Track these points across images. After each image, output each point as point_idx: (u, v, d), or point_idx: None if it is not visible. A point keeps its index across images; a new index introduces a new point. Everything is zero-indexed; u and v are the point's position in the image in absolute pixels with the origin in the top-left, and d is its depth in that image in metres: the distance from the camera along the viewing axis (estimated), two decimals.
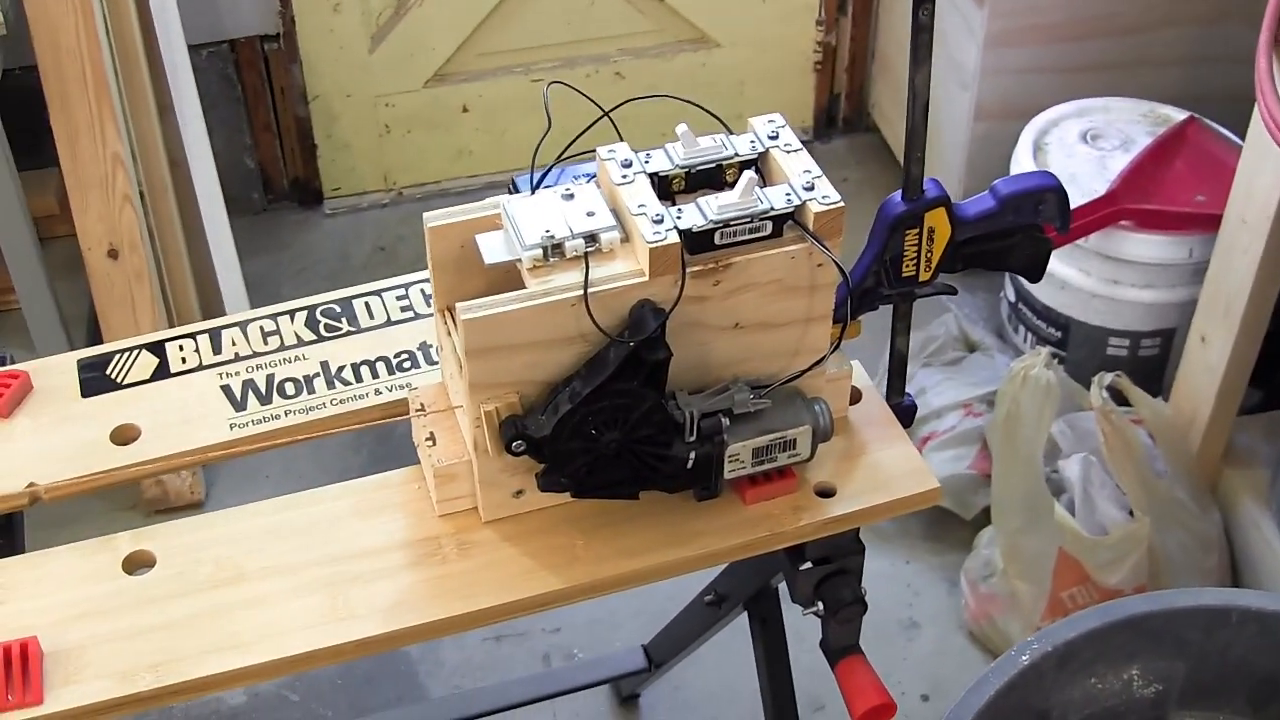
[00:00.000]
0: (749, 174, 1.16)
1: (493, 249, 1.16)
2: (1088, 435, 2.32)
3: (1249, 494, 2.34)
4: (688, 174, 1.21)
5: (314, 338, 1.41)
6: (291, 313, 1.44)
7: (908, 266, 1.31)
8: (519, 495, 1.26)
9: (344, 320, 1.43)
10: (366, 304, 1.45)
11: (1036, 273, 1.37)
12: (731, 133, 1.24)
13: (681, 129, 1.21)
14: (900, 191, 1.29)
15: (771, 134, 1.23)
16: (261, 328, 1.42)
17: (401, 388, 1.36)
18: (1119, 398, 2.27)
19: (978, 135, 2.73)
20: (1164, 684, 1.70)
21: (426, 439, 1.26)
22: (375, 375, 1.37)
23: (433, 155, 2.98)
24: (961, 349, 2.64)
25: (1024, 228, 1.33)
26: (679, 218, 1.16)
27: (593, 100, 1.34)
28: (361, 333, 1.42)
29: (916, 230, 1.29)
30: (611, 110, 1.31)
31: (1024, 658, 1.57)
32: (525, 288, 1.15)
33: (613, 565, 1.24)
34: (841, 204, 1.18)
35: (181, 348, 1.40)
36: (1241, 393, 2.30)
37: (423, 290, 1.46)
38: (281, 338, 1.41)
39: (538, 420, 1.17)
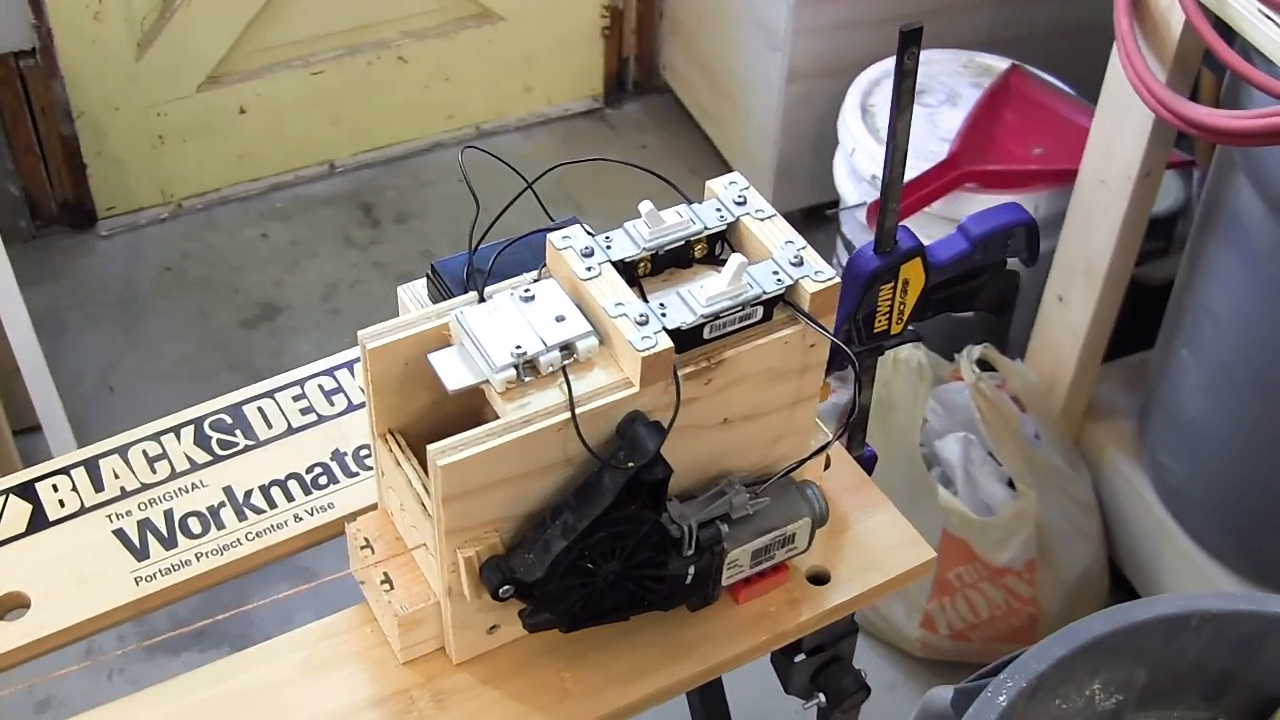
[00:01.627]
0: (738, 258, 1.02)
1: (454, 373, 1.00)
2: (958, 409, 2.25)
3: (1115, 446, 2.31)
4: (654, 255, 1.06)
5: (209, 458, 1.23)
6: (176, 430, 1.25)
7: (880, 322, 1.20)
8: (493, 630, 1.11)
9: (238, 432, 1.25)
10: (260, 409, 1.27)
11: (1004, 309, 1.27)
12: (691, 202, 1.10)
13: (646, 207, 1.06)
14: (871, 244, 1.17)
15: (738, 198, 1.09)
16: (145, 452, 1.23)
17: (324, 508, 1.20)
18: (983, 365, 2.21)
19: (792, 98, 2.63)
20: (1124, 693, 1.63)
21: (381, 581, 1.09)
22: (290, 498, 1.20)
23: (211, 162, 2.75)
24: None
25: (992, 266, 1.22)
26: (663, 314, 1.01)
27: (514, 168, 1.19)
28: (261, 446, 1.24)
29: (891, 284, 1.17)
30: (535, 180, 1.16)
31: (1000, 699, 1.47)
32: (495, 413, 1.00)
33: (608, 697, 1.11)
34: (837, 279, 1.05)
35: (56, 487, 1.20)
36: (1103, 350, 2.26)
37: (321, 386, 1.29)
38: (171, 462, 1.22)
39: (525, 560, 1.02)
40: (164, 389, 2.46)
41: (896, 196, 1.15)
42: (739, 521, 1.10)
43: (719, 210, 1.09)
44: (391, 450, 1.07)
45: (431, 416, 1.09)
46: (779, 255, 1.05)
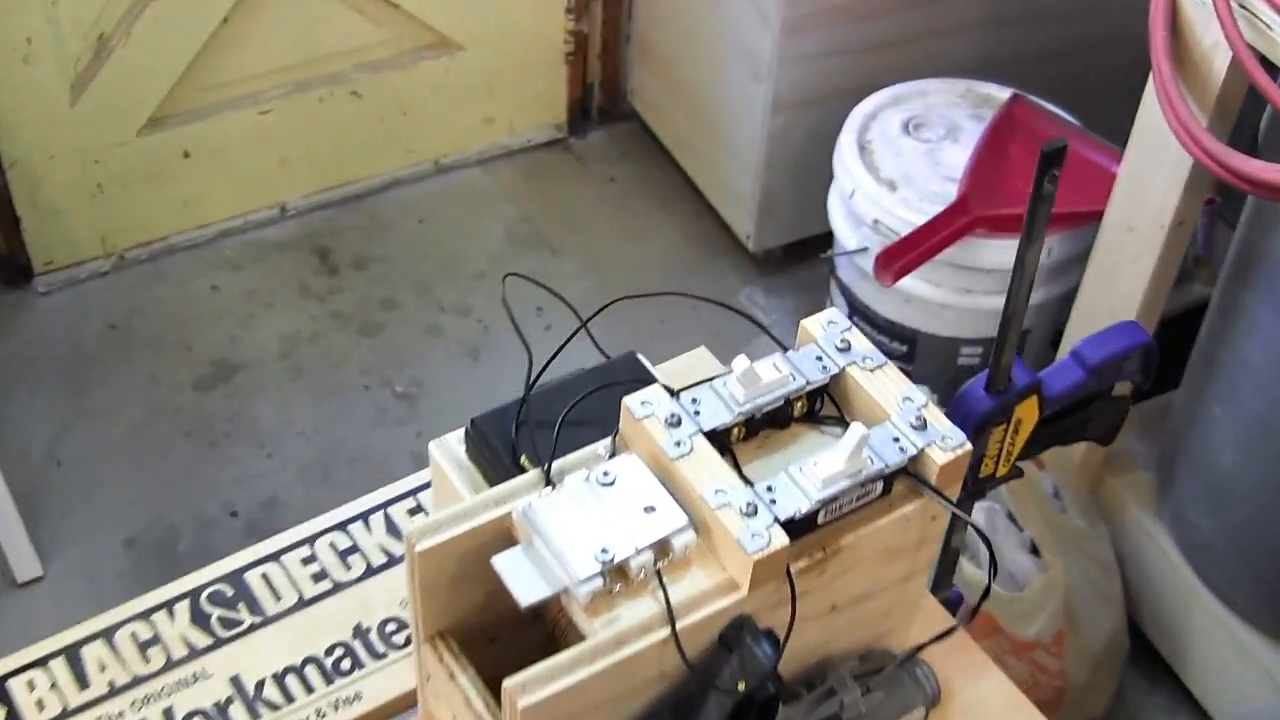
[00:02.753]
0: (858, 431, 0.86)
1: (527, 584, 0.83)
2: None
3: (1135, 501, 2.18)
4: (749, 420, 0.90)
5: (209, 641, 1.06)
6: (168, 606, 1.07)
7: (987, 465, 1.04)
8: None
9: (241, 606, 1.08)
10: (264, 577, 1.09)
11: (1112, 436, 1.11)
12: (785, 348, 0.94)
13: (741, 365, 0.90)
14: (980, 382, 1.01)
15: (840, 343, 0.93)
16: (134, 635, 1.06)
17: (350, 700, 1.03)
18: None
19: (776, 129, 2.47)
20: None
21: None
22: (309, 688, 1.03)
23: (155, 210, 2.55)
24: None
25: (1104, 393, 1.07)
26: (773, 502, 0.85)
27: (565, 300, 1.02)
28: (271, 623, 1.07)
29: (1004, 425, 1.02)
30: (590, 319, 1.00)
31: None
32: (580, 631, 0.83)
33: None
34: (968, 446, 0.89)
35: (33, 684, 1.02)
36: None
37: (333, 544, 1.12)
38: (166, 648, 1.05)
39: None
40: (116, 463, 2.27)
41: (1018, 329, 0.99)
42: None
43: (820, 359, 0.92)
44: (443, 659, 0.91)
45: (485, 612, 0.92)
46: (898, 417, 0.89)
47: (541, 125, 2.81)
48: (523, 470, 0.95)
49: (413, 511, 1.13)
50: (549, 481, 0.87)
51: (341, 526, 1.13)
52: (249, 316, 2.50)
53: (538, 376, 0.98)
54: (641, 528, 0.84)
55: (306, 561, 1.10)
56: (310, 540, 1.12)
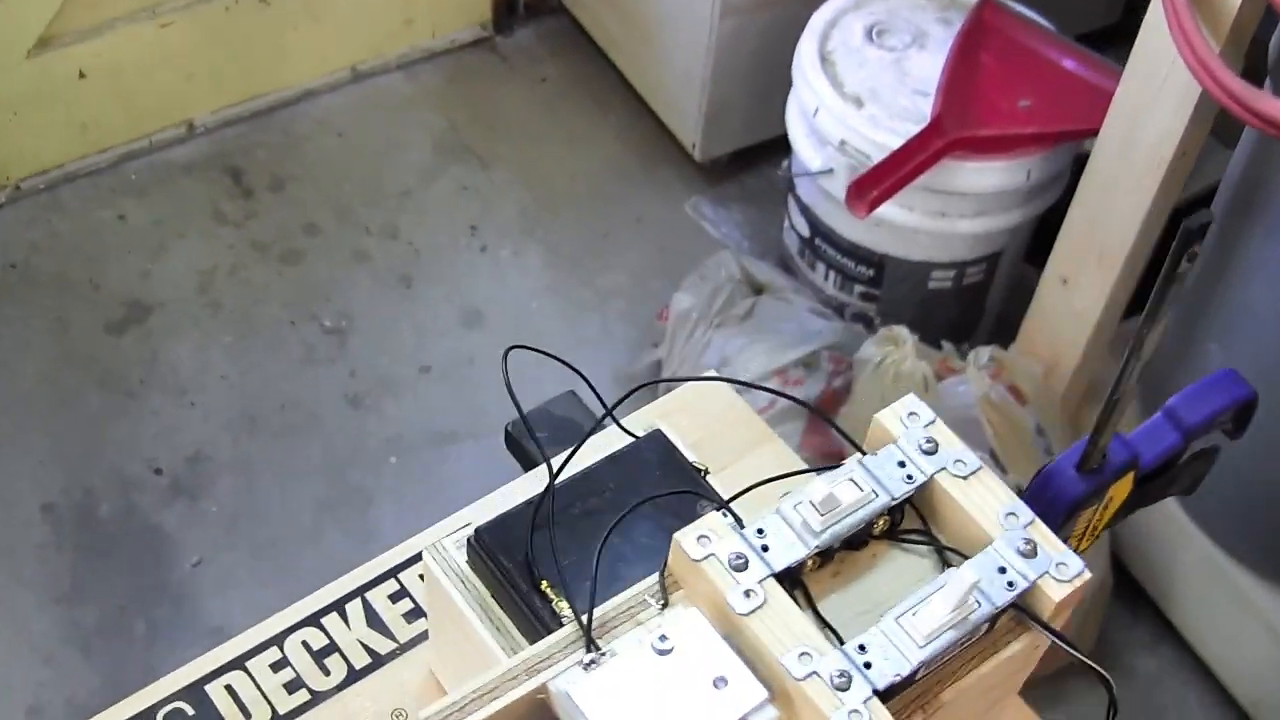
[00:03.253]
0: (967, 577, 0.71)
1: None
2: (954, 411, 1.97)
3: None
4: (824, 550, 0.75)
5: None
6: None
7: (1070, 543, 0.90)
8: None
9: None
10: (229, 689, 0.94)
11: (1196, 487, 0.98)
12: (863, 451, 0.78)
13: (819, 493, 0.74)
14: (1070, 459, 0.87)
15: (925, 444, 0.78)
16: None
17: None
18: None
19: (725, 35, 2.29)
20: None
21: None
22: None
23: (50, 136, 2.32)
24: (747, 292, 2.25)
25: (1202, 450, 0.93)
26: (868, 666, 0.70)
27: (590, 384, 0.86)
28: None
29: (1095, 508, 0.88)
30: (615, 406, 0.84)
31: None
32: None
33: None
34: (1086, 573, 0.74)
35: None
36: (1112, 335, 2.00)
37: (305, 643, 0.96)
38: None
39: None
40: (23, 418, 2.09)
41: (1121, 412, 0.84)
42: None
43: (903, 465, 0.77)
44: None
45: None
46: (1003, 542, 0.75)
47: (465, 25, 2.60)
48: (543, 598, 0.79)
49: (394, 597, 0.98)
50: (590, 644, 0.72)
51: (314, 620, 0.97)
52: (160, 248, 2.30)
53: (540, 501, 0.82)
54: (713, 708, 0.69)
55: (276, 667, 0.95)
56: (279, 640, 0.96)
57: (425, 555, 0.84)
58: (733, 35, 2.28)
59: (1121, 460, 0.87)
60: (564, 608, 0.79)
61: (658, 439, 0.87)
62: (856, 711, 0.69)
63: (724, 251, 2.26)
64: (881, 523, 0.77)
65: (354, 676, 0.94)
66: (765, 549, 0.74)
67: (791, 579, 0.74)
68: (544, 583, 0.80)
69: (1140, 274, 1.91)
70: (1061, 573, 0.75)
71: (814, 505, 0.74)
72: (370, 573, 0.98)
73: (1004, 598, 0.73)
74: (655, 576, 0.76)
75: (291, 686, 0.93)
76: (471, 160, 2.47)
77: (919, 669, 0.71)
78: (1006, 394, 1.91)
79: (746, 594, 0.72)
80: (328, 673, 0.94)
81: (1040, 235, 2.17)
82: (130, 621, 1.96)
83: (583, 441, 0.83)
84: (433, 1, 2.52)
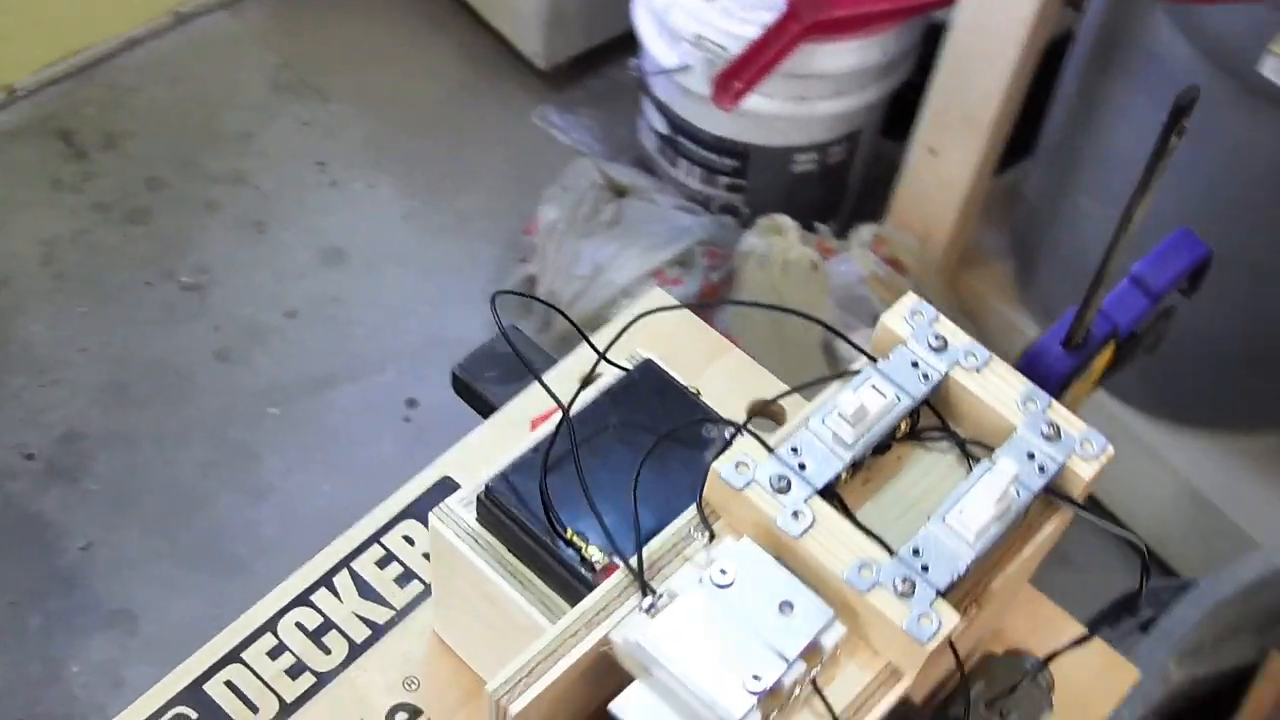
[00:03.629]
0: (1008, 470, 0.72)
1: None
2: (839, 290, 1.99)
3: (995, 295, 2.11)
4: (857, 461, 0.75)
5: None
6: None
7: None
8: None
9: None
10: (229, 685, 0.91)
11: (1159, 347, 0.99)
12: (874, 359, 0.78)
13: (851, 404, 0.73)
14: (1055, 338, 0.87)
15: (934, 341, 0.77)
16: None
17: None
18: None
19: None
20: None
21: None
22: None
23: None
24: (610, 197, 2.23)
25: (1164, 310, 0.95)
26: (924, 569, 0.70)
27: (576, 327, 0.84)
28: None
29: (1080, 379, 0.88)
30: (608, 349, 0.82)
31: None
32: None
33: None
34: (1110, 448, 0.75)
35: None
36: (982, 199, 2.03)
37: (299, 624, 0.93)
38: None
39: None
40: None
41: (1109, 287, 0.84)
42: None
43: (916, 365, 0.76)
44: None
45: None
46: (1026, 428, 0.75)
47: None
48: (571, 546, 0.77)
49: (381, 563, 0.95)
50: (645, 588, 0.70)
51: (303, 600, 0.93)
52: None
53: (549, 441, 0.79)
54: (784, 634, 0.68)
55: (274, 654, 0.91)
56: (271, 625, 0.92)
57: (432, 519, 0.81)
58: None
59: (1104, 332, 0.88)
60: (594, 553, 0.77)
61: (650, 369, 0.85)
62: (925, 614, 0.69)
63: (582, 159, 2.23)
64: (904, 425, 0.76)
65: (356, 651, 0.91)
66: (802, 467, 0.73)
67: (829, 493, 0.73)
68: (569, 531, 0.78)
69: (1007, 135, 1.93)
70: (1087, 450, 0.75)
71: (843, 418, 0.73)
72: (352, 541, 0.94)
73: (1038, 483, 0.74)
74: (691, 510, 0.74)
75: (294, 672, 0.90)
76: (310, 95, 2.40)
77: (971, 566, 0.71)
78: (889, 268, 1.92)
79: (795, 515, 0.71)
80: (328, 651, 0.91)
81: (894, 110, 2.19)
82: (24, 616, 1.89)
83: (591, 375, 0.81)
84: None
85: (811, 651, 0.69)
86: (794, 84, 2.02)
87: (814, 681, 0.69)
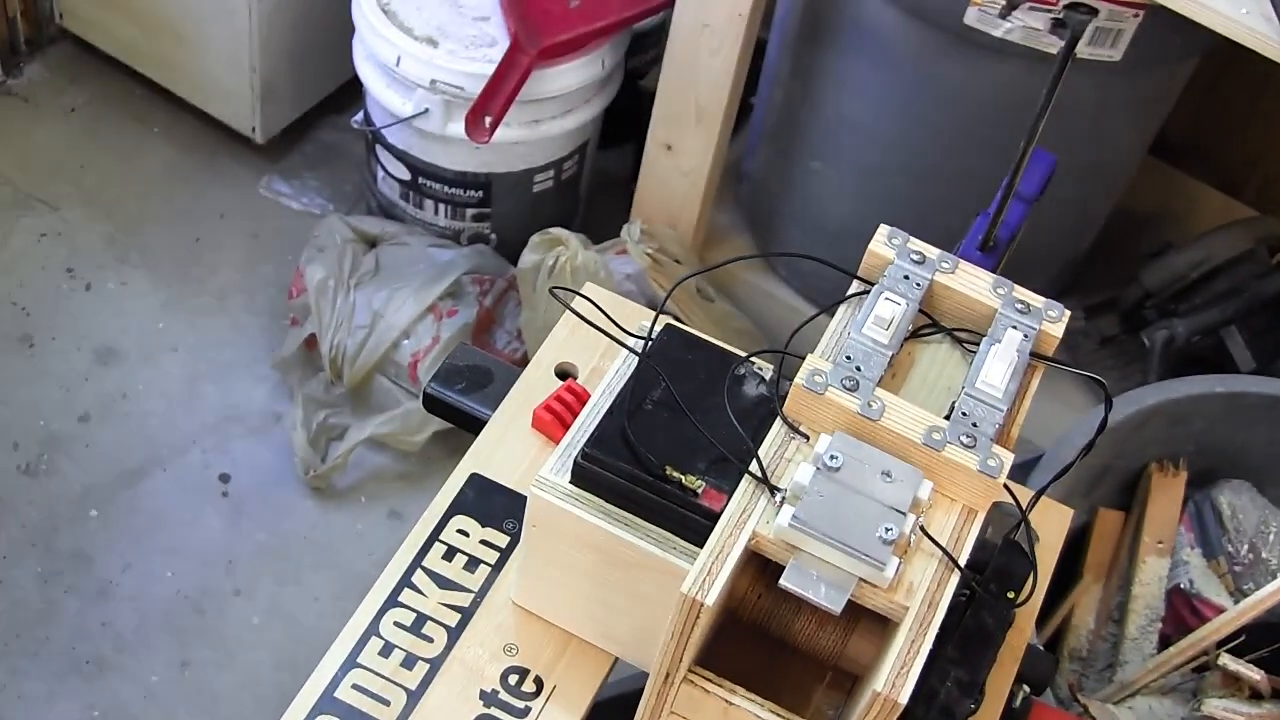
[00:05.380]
0: (1015, 336, 0.92)
1: (829, 592, 0.85)
2: (627, 290, 2.18)
3: (743, 269, 2.33)
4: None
5: None
6: None
7: None
8: None
9: None
10: (356, 688, 1.02)
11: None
12: (866, 281, 0.97)
13: (886, 311, 0.92)
14: (973, 242, 1.08)
15: (914, 255, 0.97)
16: None
17: None
18: None
19: (266, 16, 2.35)
20: None
21: None
22: None
23: None
24: (365, 249, 2.35)
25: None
26: (974, 425, 0.90)
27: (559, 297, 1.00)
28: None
29: None
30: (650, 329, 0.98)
31: None
32: (876, 608, 0.86)
33: None
34: (1067, 310, 0.97)
35: None
36: (718, 183, 2.25)
37: (398, 623, 1.06)
38: None
39: None
40: None
41: (1010, 195, 1.06)
42: None
43: (908, 278, 0.96)
44: (710, 691, 0.90)
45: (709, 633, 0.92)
46: (1005, 309, 0.95)
47: None
48: (669, 481, 0.94)
49: (447, 556, 1.08)
50: (773, 489, 0.87)
51: (393, 601, 1.05)
52: None
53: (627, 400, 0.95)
54: (893, 494, 0.86)
55: (385, 652, 1.03)
56: (374, 629, 1.04)
57: (532, 490, 0.95)
58: (273, 13, 2.35)
59: (1007, 234, 1.09)
60: (692, 480, 0.93)
61: (672, 330, 1.01)
62: (990, 456, 0.88)
63: (330, 217, 2.35)
64: (910, 326, 0.96)
65: (455, 634, 1.04)
66: (859, 369, 0.91)
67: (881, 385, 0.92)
68: (666, 468, 0.94)
69: (734, 121, 2.15)
70: (1052, 316, 0.96)
71: (878, 325, 0.92)
72: (415, 545, 1.07)
73: (1027, 346, 0.94)
74: (778, 425, 0.91)
75: (408, 663, 1.02)
76: (38, 206, 2.43)
77: (1006, 416, 0.91)
78: (660, 255, 2.12)
79: (870, 404, 0.89)
80: (431, 640, 1.04)
81: (607, 124, 2.39)
82: None
83: (661, 307, 0.97)
84: None
85: (915, 504, 0.87)
86: (528, 109, 2.19)
87: (923, 529, 0.87)
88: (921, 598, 0.84)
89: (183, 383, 2.30)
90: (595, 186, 2.47)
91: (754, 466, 0.88)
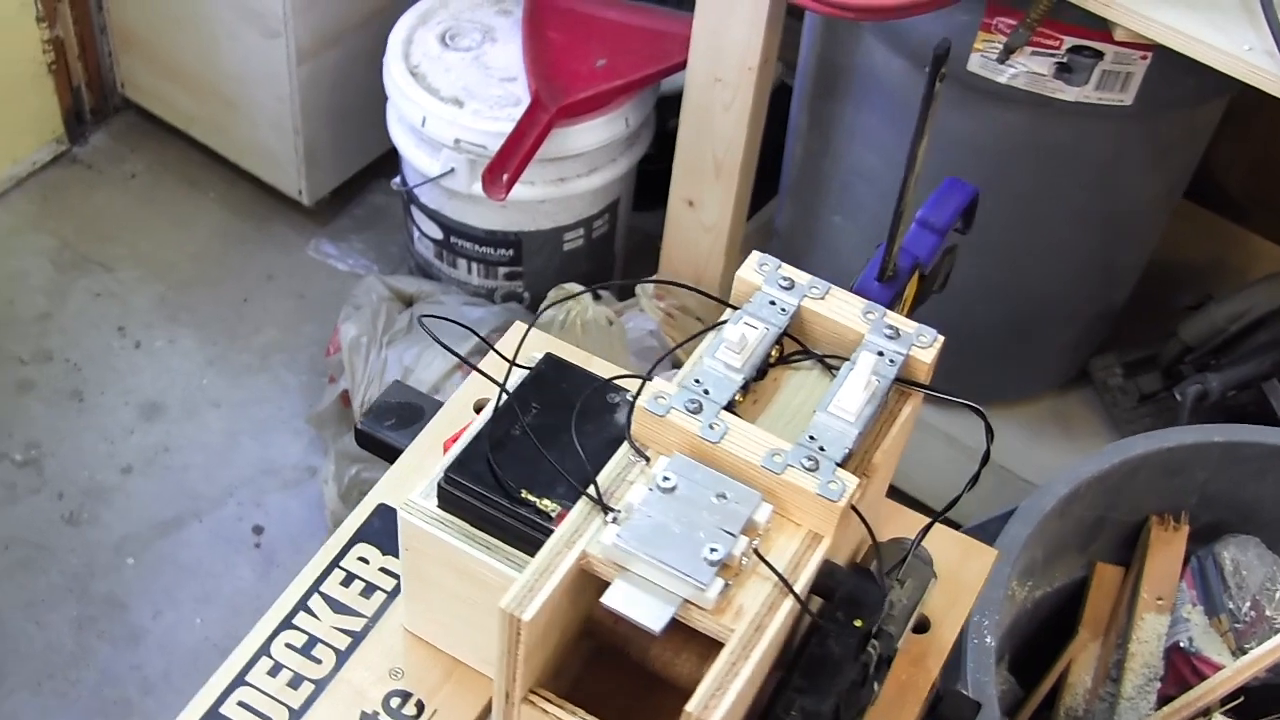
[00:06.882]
0: (869, 359, 0.91)
1: (650, 611, 0.84)
2: (633, 343, 2.18)
3: None
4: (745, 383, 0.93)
5: None
6: None
7: None
8: None
9: None
10: (241, 705, 1.03)
11: (947, 283, 1.21)
12: (733, 305, 0.97)
13: (735, 334, 0.92)
14: (872, 273, 1.07)
15: (783, 281, 0.97)
16: None
17: None
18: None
19: (305, 79, 2.41)
20: (1029, 577, 1.67)
21: None
22: None
23: None
24: (400, 307, 2.39)
25: (947, 248, 1.16)
26: (822, 449, 0.89)
27: (485, 340, 1.00)
28: None
29: (897, 308, 1.09)
30: (514, 357, 0.99)
31: None
32: (703, 629, 0.85)
33: None
34: (940, 336, 0.95)
35: None
36: (740, 238, 2.25)
37: (289, 644, 1.07)
38: None
39: None
40: None
41: (908, 223, 1.05)
42: (898, 616, 1.00)
43: (774, 303, 0.96)
44: (548, 712, 0.90)
45: (555, 653, 0.92)
46: (872, 333, 0.94)
47: (40, 144, 2.63)
48: (525, 504, 0.94)
49: (345, 582, 1.09)
50: (606, 509, 0.87)
51: (287, 624, 1.07)
52: None
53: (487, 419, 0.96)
54: (725, 517, 0.86)
55: (273, 672, 1.05)
56: (265, 649, 1.06)
57: (401, 514, 0.96)
58: (311, 78, 2.41)
59: (909, 264, 1.08)
60: (548, 505, 0.93)
61: (551, 360, 1.02)
62: (831, 481, 0.87)
63: (368, 277, 2.38)
64: (775, 352, 0.95)
65: (343, 657, 1.05)
66: (707, 392, 0.91)
67: (730, 410, 0.91)
68: (523, 491, 0.94)
69: (754, 175, 2.16)
70: (923, 341, 0.95)
71: (729, 348, 0.91)
72: (316, 569, 1.09)
73: (891, 371, 0.93)
74: (624, 449, 0.91)
75: (294, 683, 1.04)
76: (95, 268, 2.51)
77: (857, 441, 0.90)
78: (676, 311, 2.13)
79: (711, 426, 0.89)
80: (319, 661, 1.05)
81: (641, 186, 2.41)
82: None
83: (520, 348, 0.98)
84: (4, 129, 2.53)
85: (750, 527, 0.86)
86: (552, 167, 2.22)
87: (756, 551, 0.86)
88: (749, 621, 0.83)
89: (222, 437, 2.35)
90: (635, 246, 2.49)
91: (592, 489, 0.87)
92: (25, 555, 2.15)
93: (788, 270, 0.97)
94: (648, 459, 0.90)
